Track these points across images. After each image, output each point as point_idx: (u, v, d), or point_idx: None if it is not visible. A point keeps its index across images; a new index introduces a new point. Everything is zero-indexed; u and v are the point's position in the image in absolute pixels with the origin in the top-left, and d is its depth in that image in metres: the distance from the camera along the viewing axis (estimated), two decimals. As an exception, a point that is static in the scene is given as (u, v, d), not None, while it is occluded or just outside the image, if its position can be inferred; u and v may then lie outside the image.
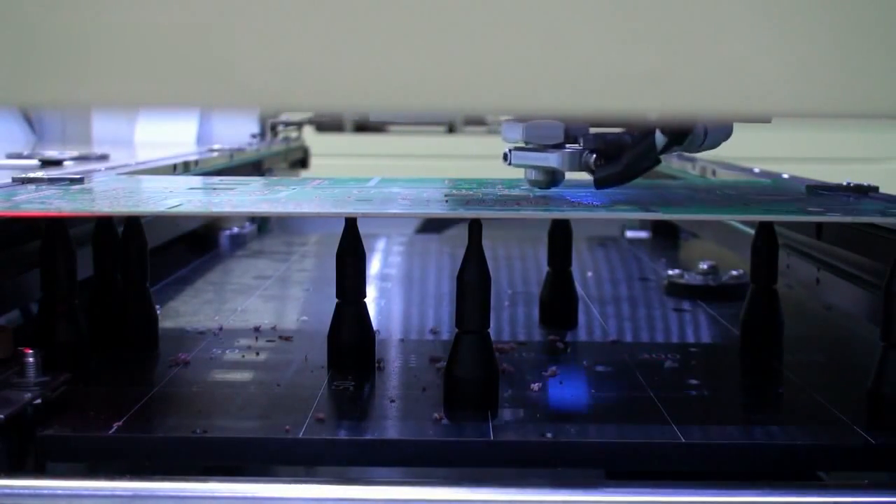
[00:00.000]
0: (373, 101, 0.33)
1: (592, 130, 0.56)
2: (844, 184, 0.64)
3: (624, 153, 0.55)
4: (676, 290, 0.83)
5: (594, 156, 0.55)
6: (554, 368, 0.58)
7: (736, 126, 0.59)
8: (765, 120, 0.42)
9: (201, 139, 1.39)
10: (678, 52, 0.32)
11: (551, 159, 0.56)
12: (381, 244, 1.12)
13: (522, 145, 0.57)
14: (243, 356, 0.62)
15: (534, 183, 0.58)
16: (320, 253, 1.07)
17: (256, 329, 0.68)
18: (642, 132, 0.55)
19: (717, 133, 0.57)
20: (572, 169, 0.56)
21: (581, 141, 0.56)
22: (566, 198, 0.58)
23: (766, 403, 0.55)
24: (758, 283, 0.64)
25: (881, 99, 0.33)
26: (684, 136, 0.54)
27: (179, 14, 0.32)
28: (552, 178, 0.58)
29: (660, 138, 0.53)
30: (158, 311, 0.66)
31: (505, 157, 0.58)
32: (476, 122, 2.25)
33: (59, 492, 0.41)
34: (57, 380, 0.50)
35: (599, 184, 0.56)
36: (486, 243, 0.52)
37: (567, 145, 0.56)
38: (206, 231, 1.09)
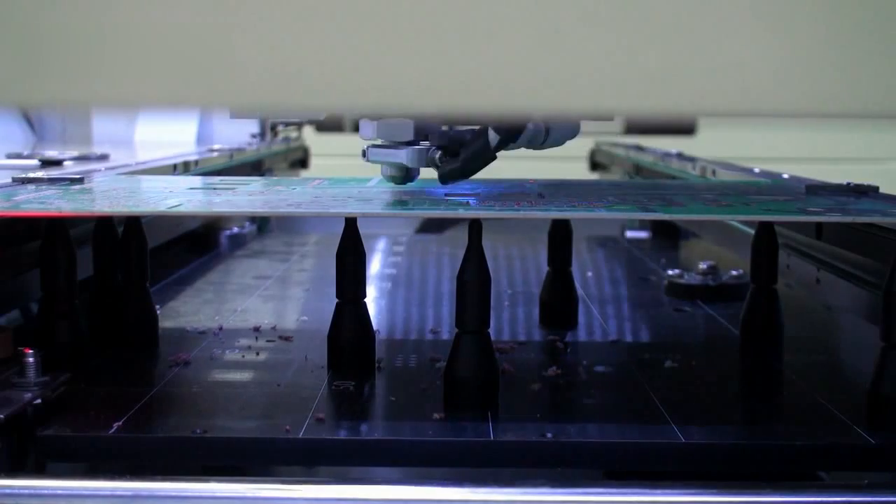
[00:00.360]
0: (373, 101, 0.33)
1: (444, 128, 0.59)
2: (844, 184, 0.64)
3: (462, 150, 0.57)
4: (676, 290, 0.83)
5: (439, 152, 0.57)
6: (554, 368, 0.58)
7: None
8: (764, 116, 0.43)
9: (201, 139, 1.39)
10: (678, 52, 0.32)
11: (401, 155, 0.58)
12: (381, 244, 1.12)
13: (376, 143, 0.59)
14: (243, 356, 0.62)
15: (389, 178, 0.60)
16: (320, 253, 1.07)
17: (256, 329, 0.68)
18: (478, 130, 0.57)
19: (561, 131, 0.59)
20: (420, 165, 0.58)
21: (430, 138, 0.58)
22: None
23: (766, 403, 0.55)
24: (758, 283, 0.64)
25: (881, 99, 0.33)
26: (517, 135, 0.57)
27: (179, 14, 0.32)
28: (406, 173, 0.60)
29: (492, 136, 0.56)
30: (158, 311, 0.66)
31: (363, 153, 0.60)
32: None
33: (59, 492, 0.41)
34: (57, 380, 0.49)
35: (442, 179, 0.58)
36: (486, 243, 0.52)
37: (420, 142, 0.58)
38: (206, 231, 1.09)
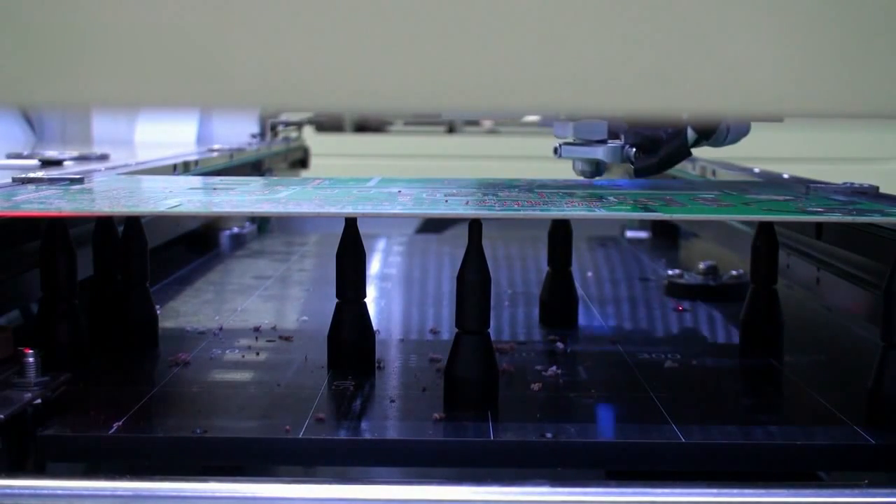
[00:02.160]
0: (373, 101, 0.33)
1: (629, 128, 0.64)
2: (844, 184, 0.64)
3: (660, 147, 0.63)
4: (676, 290, 0.83)
5: (634, 149, 0.63)
6: (554, 368, 0.58)
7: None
8: (775, 119, 0.45)
9: (201, 139, 1.39)
10: (679, 53, 0.32)
11: (598, 152, 0.64)
12: (381, 244, 1.12)
13: (570, 141, 0.66)
14: (243, 356, 0.62)
15: (580, 173, 0.67)
16: (320, 253, 1.07)
17: (256, 329, 0.68)
18: (676, 129, 0.63)
19: (739, 130, 0.65)
20: (615, 161, 0.65)
21: (622, 137, 0.64)
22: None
23: (766, 403, 0.55)
24: (758, 283, 0.64)
25: (881, 99, 0.33)
26: (711, 132, 0.62)
27: (179, 14, 0.32)
28: (597, 168, 0.66)
29: (691, 134, 0.61)
30: (158, 311, 0.66)
31: (555, 151, 0.66)
32: (476, 122, 2.25)
33: (59, 492, 0.41)
34: (57, 380, 0.50)
35: (638, 173, 0.64)
36: (486, 243, 0.52)
37: (610, 140, 0.64)
38: (206, 231, 1.09)
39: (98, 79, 0.32)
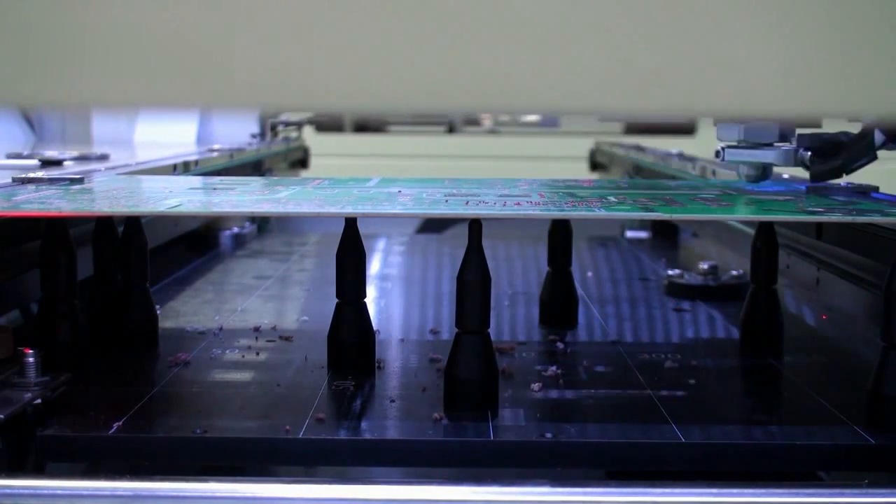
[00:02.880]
0: (373, 101, 0.33)
1: (801, 131, 0.64)
2: (844, 184, 0.64)
3: (841, 150, 0.62)
4: (676, 290, 0.83)
5: (809, 153, 0.62)
6: (554, 368, 0.58)
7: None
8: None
9: (201, 139, 1.40)
10: (679, 52, 0.32)
11: (769, 156, 0.63)
12: (381, 244, 1.12)
13: (735, 144, 0.64)
14: (243, 356, 0.62)
15: (744, 177, 0.65)
16: (320, 253, 1.07)
17: (256, 329, 0.68)
18: (861, 131, 0.61)
19: None
20: (788, 164, 0.64)
21: (793, 140, 0.63)
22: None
23: (766, 403, 0.55)
24: (758, 283, 0.64)
25: (881, 99, 0.33)
26: None
27: (180, 14, 0.32)
28: (763, 172, 0.65)
29: (879, 137, 0.60)
30: (158, 311, 0.66)
31: (717, 154, 0.65)
32: (476, 122, 2.25)
33: (59, 492, 0.41)
34: (57, 380, 0.50)
35: (816, 177, 0.62)
36: (486, 243, 0.52)
37: (779, 144, 0.63)
38: (206, 231, 1.09)
39: (98, 79, 0.32)
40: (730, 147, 0.64)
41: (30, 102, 0.35)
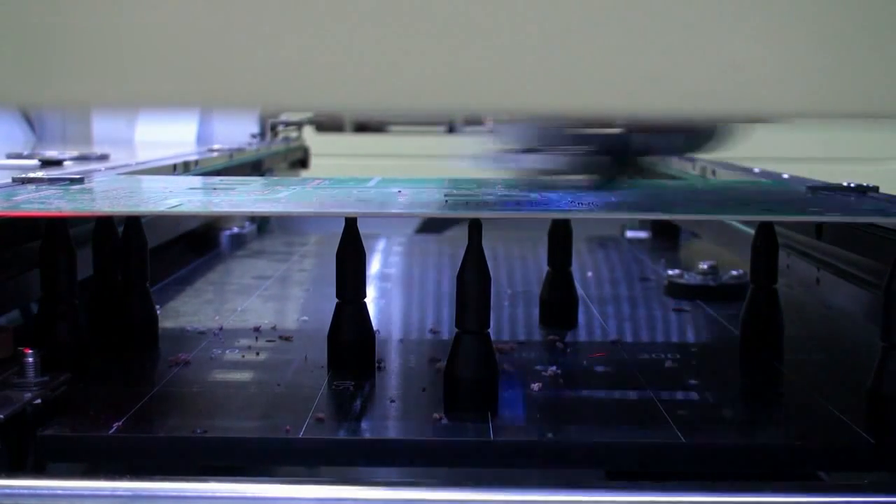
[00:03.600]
0: (373, 101, 0.33)
1: (590, 132, 0.53)
2: (844, 184, 0.64)
3: (622, 155, 0.52)
4: (676, 290, 0.83)
5: (593, 157, 0.52)
6: (554, 368, 0.58)
7: (736, 126, 0.59)
8: (770, 120, 0.42)
9: (201, 139, 1.40)
10: (678, 52, 0.32)
11: (549, 161, 0.53)
12: (381, 244, 1.12)
13: (517, 147, 0.54)
14: (243, 356, 0.62)
15: (528, 185, 0.55)
16: (320, 253, 1.07)
17: (256, 329, 0.68)
18: (627, 134, 0.52)
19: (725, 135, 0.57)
20: (572, 171, 0.53)
21: (579, 143, 0.53)
22: (561, 201, 0.57)
23: (766, 403, 0.55)
24: (758, 283, 0.64)
25: (881, 99, 0.33)
26: (673, 139, 0.52)
27: (180, 15, 0.32)
28: (547, 179, 0.55)
29: (655, 140, 0.51)
30: (158, 311, 0.66)
31: (496, 159, 0.54)
32: (476, 122, 2.25)
33: (59, 492, 0.41)
34: (57, 380, 0.49)
35: (598, 185, 0.53)
36: (486, 243, 0.52)
37: (564, 147, 0.53)
38: (206, 231, 1.09)
39: (98, 79, 0.32)
40: (505, 151, 0.54)
41: (30, 102, 0.35)
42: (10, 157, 0.91)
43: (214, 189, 0.63)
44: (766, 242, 0.63)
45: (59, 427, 0.47)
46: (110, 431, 0.47)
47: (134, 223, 0.62)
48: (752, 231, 0.68)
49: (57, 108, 0.95)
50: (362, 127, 2.28)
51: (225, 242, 1.12)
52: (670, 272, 0.85)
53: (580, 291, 0.78)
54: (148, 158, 0.93)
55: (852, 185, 0.64)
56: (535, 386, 0.55)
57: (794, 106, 0.33)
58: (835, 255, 0.70)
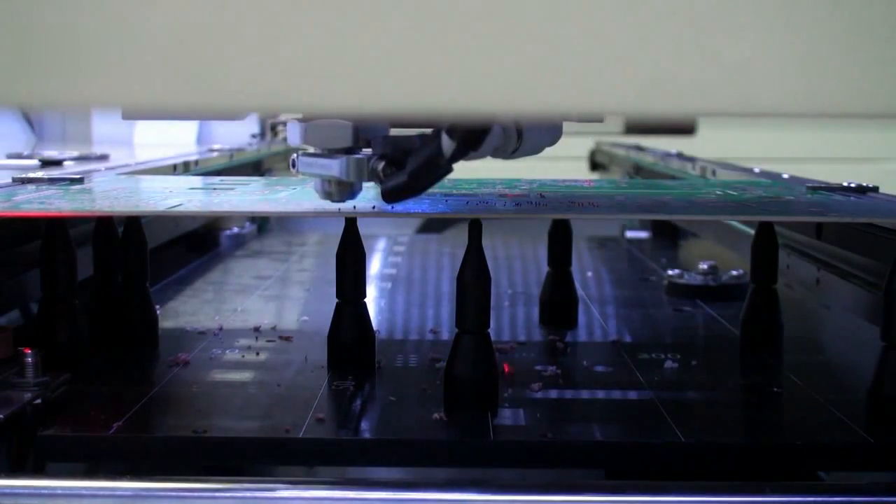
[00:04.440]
0: (373, 101, 0.33)
1: (393, 132, 0.48)
2: (844, 184, 0.64)
3: (409, 161, 0.46)
4: (676, 290, 0.83)
5: (383, 163, 0.46)
6: (554, 368, 0.58)
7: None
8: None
9: (201, 139, 1.40)
10: (678, 52, 0.32)
11: (334, 167, 0.47)
12: (381, 244, 1.12)
13: (310, 151, 0.49)
14: (243, 356, 0.62)
15: (324, 195, 0.49)
16: (320, 253, 1.07)
17: (256, 329, 0.68)
18: (429, 135, 0.45)
19: (539, 136, 0.51)
20: (359, 178, 0.47)
21: (372, 145, 0.47)
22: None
23: (766, 403, 0.55)
24: (758, 283, 0.64)
25: (881, 99, 0.33)
26: (478, 140, 0.45)
27: (180, 14, 0.32)
28: (346, 188, 0.48)
29: (447, 143, 0.44)
30: (158, 311, 0.66)
31: (292, 164, 0.49)
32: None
33: (59, 492, 0.41)
34: (57, 380, 0.49)
35: (386, 196, 0.46)
36: (486, 243, 0.52)
37: (359, 150, 0.48)
38: (206, 231, 1.09)
39: (98, 80, 0.32)
40: (304, 155, 0.48)
41: (30, 102, 0.35)
42: (10, 157, 0.91)
43: (214, 189, 0.63)
44: (766, 242, 0.63)
45: (59, 427, 0.47)
46: (110, 431, 0.47)
47: (134, 223, 0.62)
48: (752, 231, 0.68)
49: (57, 109, 0.95)
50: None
51: (225, 242, 1.12)
52: (670, 272, 0.85)
53: (580, 291, 0.78)
54: (148, 158, 0.93)
55: (852, 185, 0.64)
56: (535, 386, 0.55)
57: (794, 106, 0.33)
58: (835, 255, 0.70)
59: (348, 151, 0.47)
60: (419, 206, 0.55)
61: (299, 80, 0.33)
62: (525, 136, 0.50)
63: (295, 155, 0.49)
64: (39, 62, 0.32)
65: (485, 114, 0.35)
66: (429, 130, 0.46)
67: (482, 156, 0.48)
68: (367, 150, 0.47)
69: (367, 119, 0.47)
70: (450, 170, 0.45)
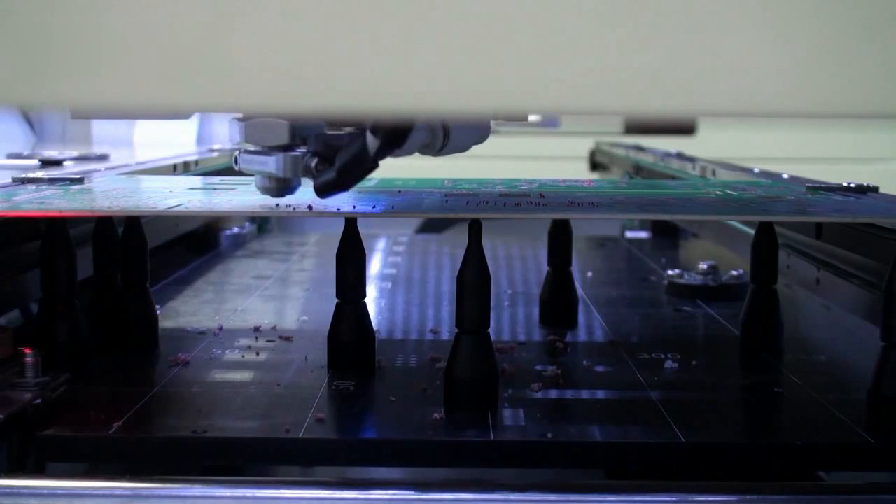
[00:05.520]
0: (372, 102, 0.33)
1: (329, 132, 0.50)
2: (844, 184, 0.64)
3: (337, 157, 0.48)
4: (676, 290, 0.83)
5: (316, 160, 0.48)
6: (554, 368, 0.58)
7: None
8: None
9: (201, 139, 1.40)
10: (678, 52, 0.32)
11: (270, 163, 0.49)
12: (381, 244, 1.12)
13: (251, 148, 0.50)
14: (243, 356, 0.62)
15: (263, 191, 0.51)
16: (320, 253, 1.07)
17: (256, 329, 0.68)
18: (354, 133, 0.48)
19: (466, 134, 0.53)
20: (295, 175, 0.50)
21: (307, 143, 0.49)
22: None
23: (766, 403, 0.55)
24: (758, 283, 0.64)
25: (881, 99, 0.33)
26: (402, 138, 0.47)
27: (181, 16, 0.32)
28: (283, 184, 0.50)
29: (371, 140, 0.46)
30: (158, 311, 0.66)
31: (235, 161, 0.51)
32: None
33: (59, 492, 0.41)
34: (57, 380, 0.49)
35: (318, 191, 0.49)
36: (486, 243, 0.52)
37: (296, 148, 0.49)
38: (206, 231, 1.09)
39: (99, 81, 0.32)
40: (245, 153, 0.50)
41: (29, 104, 0.35)
42: (10, 157, 0.91)
43: (214, 189, 0.63)
44: (766, 242, 0.63)
45: (59, 427, 0.47)
46: (110, 431, 0.47)
47: (134, 223, 0.62)
48: (752, 231, 0.68)
49: (56, 110, 0.95)
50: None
51: (225, 242, 1.12)
52: (670, 272, 0.85)
53: (580, 291, 0.78)
54: (148, 158, 0.93)
55: (852, 185, 0.64)
56: (535, 386, 0.55)
57: (794, 106, 0.33)
58: (835, 255, 0.70)
59: (286, 149, 0.49)
60: (420, 206, 0.55)
61: (299, 80, 0.33)
62: (452, 135, 0.52)
63: (238, 152, 0.51)
64: (39, 62, 0.32)
65: (475, 112, 0.35)
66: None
67: (408, 153, 0.50)
68: (304, 148, 0.49)
69: (305, 118, 0.48)
70: (375, 166, 0.47)
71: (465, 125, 0.52)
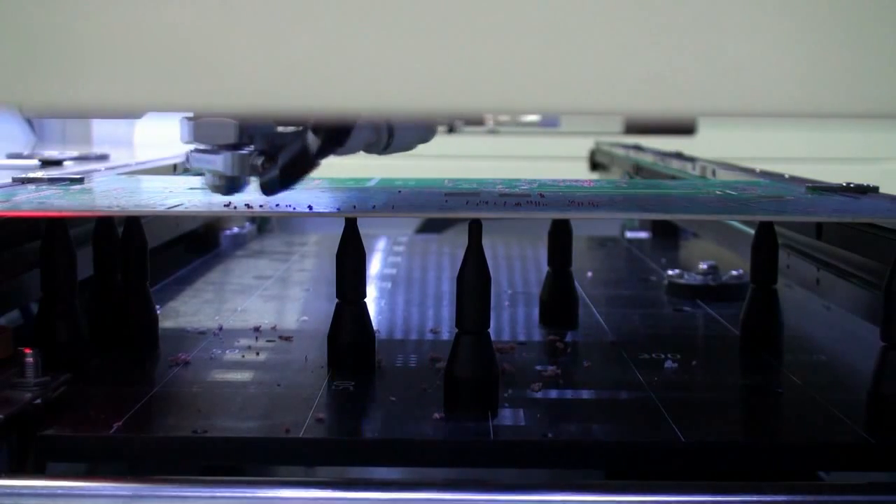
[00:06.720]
0: (372, 102, 0.33)
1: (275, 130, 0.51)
2: (844, 184, 0.64)
3: (280, 155, 0.49)
4: (676, 290, 0.83)
5: (262, 158, 0.49)
6: (554, 368, 0.58)
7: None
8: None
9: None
10: (678, 52, 0.32)
11: (218, 162, 0.50)
12: (381, 244, 1.12)
13: (202, 147, 0.51)
14: (243, 356, 0.62)
15: (213, 189, 0.52)
16: (320, 253, 1.07)
17: (256, 329, 0.68)
18: (296, 132, 0.49)
19: (409, 133, 0.54)
20: (242, 173, 0.50)
21: (254, 141, 0.50)
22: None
23: (766, 403, 0.55)
24: (758, 283, 0.64)
25: (881, 99, 0.33)
26: (343, 137, 0.49)
27: (182, 16, 0.32)
28: (231, 182, 0.51)
29: (312, 139, 0.47)
30: (158, 311, 0.66)
31: (187, 158, 0.52)
32: (476, 122, 2.25)
33: (59, 492, 0.41)
34: (57, 380, 0.49)
35: (263, 189, 0.50)
36: (486, 243, 0.52)
37: (244, 147, 0.50)
38: (206, 231, 1.09)
39: (98, 81, 0.32)
40: (196, 151, 0.51)
41: (29, 104, 0.35)
42: (10, 157, 0.91)
43: (214, 189, 0.63)
44: (766, 242, 0.63)
45: (59, 427, 0.47)
46: (110, 431, 0.47)
47: (134, 223, 0.62)
48: (752, 231, 0.68)
49: (58, 113, 0.95)
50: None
51: (225, 242, 1.12)
52: (670, 272, 0.85)
53: (580, 291, 0.78)
54: (148, 158, 0.93)
55: (852, 185, 0.64)
56: (535, 386, 0.55)
57: (794, 106, 0.33)
58: (835, 255, 0.70)
59: (235, 147, 0.50)
60: (419, 206, 0.55)
61: (299, 81, 0.33)
62: (396, 134, 0.53)
63: (189, 150, 0.52)
64: (40, 64, 0.32)
65: (482, 111, 0.35)
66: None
67: (351, 152, 0.51)
68: (250, 147, 0.50)
69: (257, 119, 0.49)
70: (316, 164, 0.49)
71: (411, 124, 0.53)
